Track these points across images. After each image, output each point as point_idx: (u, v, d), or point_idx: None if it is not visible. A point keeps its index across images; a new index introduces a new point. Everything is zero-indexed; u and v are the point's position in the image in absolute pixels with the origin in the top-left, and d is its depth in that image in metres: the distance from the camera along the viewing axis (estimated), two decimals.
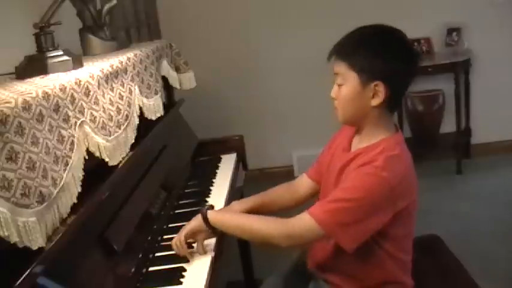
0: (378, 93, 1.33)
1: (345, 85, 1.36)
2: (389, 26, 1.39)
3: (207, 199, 1.87)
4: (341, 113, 1.41)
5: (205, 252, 1.47)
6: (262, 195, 1.68)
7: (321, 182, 1.59)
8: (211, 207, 1.53)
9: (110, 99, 1.52)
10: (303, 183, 1.68)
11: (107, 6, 2.07)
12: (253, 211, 1.60)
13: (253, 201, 1.63)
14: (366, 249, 1.35)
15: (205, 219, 1.45)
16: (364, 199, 1.27)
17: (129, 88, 1.69)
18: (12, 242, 0.95)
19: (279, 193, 1.70)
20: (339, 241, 1.30)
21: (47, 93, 1.16)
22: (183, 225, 1.68)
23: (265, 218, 1.41)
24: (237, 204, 1.63)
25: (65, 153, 1.19)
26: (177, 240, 1.46)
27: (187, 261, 1.45)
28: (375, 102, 1.34)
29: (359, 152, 1.39)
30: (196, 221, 1.47)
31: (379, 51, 1.33)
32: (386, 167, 1.29)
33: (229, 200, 1.85)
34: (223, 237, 1.59)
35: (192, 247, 1.50)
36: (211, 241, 1.54)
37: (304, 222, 1.31)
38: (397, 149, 1.36)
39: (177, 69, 2.33)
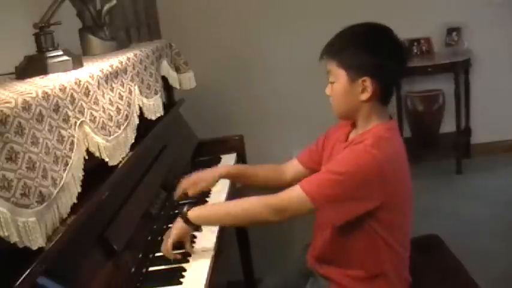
0: (366, 88, 1.37)
1: (336, 82, 1.41)
2: (378, 24, 1.43)
3: (207, 199, 1.87)
4: (335, 109, 1.47)
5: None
6: (248, 166, 1.80)
7: (310, 168, 1.64)
8: (190, 207, 1.51)
9: (110, 99, 1.52)
10: (291, 167, 1.73)
11: (106, 6, 2.07)
12: (237, 177, 1.77)
13: (238, 168, 1.80)
14: (362, 238, 1.37)
15: (186, 220, 1.46)
16: (353, 173, 1.30)
17: (129, 88, 1.69)
18: (12, 242, 0.95)
19: (265, 170, 1.77)
20: (326, 213, 1.34)
21: (46, 93, 1.16)
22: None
23: (247, 198, 1.44)
24: (222, 167, 1.83)
25: (64, 153, 1.19)
26: (165, 251, 1.46)
27: (187, 261, 1.45)
28: (364, 97, 1.38)
29: (353, 139, 1.43)
30: (179, 226, 1.47)
31: (365, 48, 1.37)
32: (375, 145, 1.33)
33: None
34: (222, 237, 1.60)
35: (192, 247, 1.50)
36: (212, 241, 1.54)
37: (293, 193, 1.35)
38: (388, 133, 1.40)
39: (177, 69, 2.33)
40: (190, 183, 1.71)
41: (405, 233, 1.45)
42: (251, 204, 1.41)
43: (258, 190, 1.52)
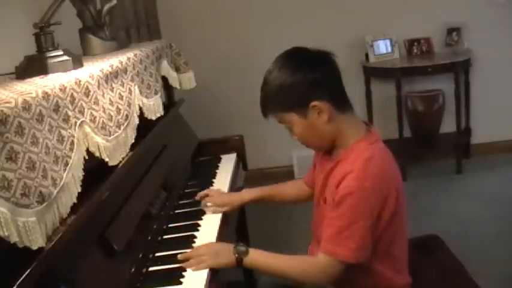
0: (321, 109, 1.36)
1: (293, 126, 1.41)
2: (286, 51, 1.43)
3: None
4: (312, 147, 1.50)
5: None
6: (272, 188, 1.80)
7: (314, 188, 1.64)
8: (245, 249, 1.45)
9: (110, 99, 1.52)
10: (304, 187, 1.76)
11: (106, 6, 2.07)
12: (261, 201, 1.78)
13: (261, 191, 1.78)
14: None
15: (239, 262, 1.43)
16: (359, 217, 1.32)
17: (129, 88, 1.69)
18: (12, 242, 0.95)
19: (286, 189, 1.82)
20: (360, 261, 1.34)
21: (46, 93, 1.16)
22: (183, 225, 1.68)
23: (295, 262, 1.43)
24: (246, 193, 1.80)
25: (64, 153, 1.19)
26: (202, 262, 1.41)
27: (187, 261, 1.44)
28: (324, 118, 1.37)
29: (338, 160, 1.42)
30: (228, 261, 1.43)
31: (289, 79, 1.36)
32: (365, 175, 1.32)
33: None
34: (222, 237, 1.60)
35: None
36: (212, 241, 1.54)
37: (324, 262, 1.36)
38: (370, 150, 1.38)
39: (177, 69, 2.33)
40: (216, 200, 1.78)
41: (403, 237, 1.46)
42: (302, 274, 1.41)
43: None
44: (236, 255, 1.42)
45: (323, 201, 1.45)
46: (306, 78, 1.35)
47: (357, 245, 1.32)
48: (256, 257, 1.44)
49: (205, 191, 1.84)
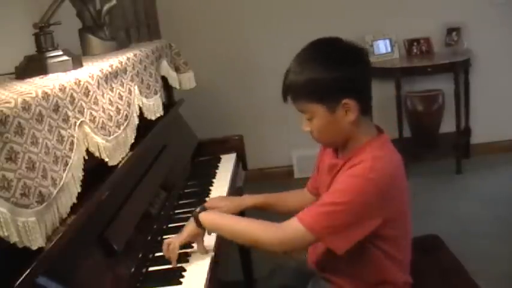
0: (350, 108, 1.32)
1: (315, 118, 1.35)
2: (322, 39, 1.37)
3: (207, 199, 1.87)
4: (323, 142, 1.44)
5: (206, 252, 1.47)
6: (274, 196, 1.72)
7: (319, 194, 1.59)
8: (204, 208, 1.50)
9: (110, 99, 1.52)
10: (307, 195, 1.70)
11: (106, 6, 2.07)
12: (263, 208, 1.69)
13: (264, 198, 1.69)
14: (363, 251, 1.35)
15: (197, 221, 1.44)
16: (351, 202, 1.26)
17: (129, 88, 1.69)
18: (12, 242, 0.95)
19: (287, 198, 1.73)
20: (328, 245, 1.29)
21: (46, 93, 1.16)
22: (183, 225, 1.68)
23: (257, 222, 1.39)
24: (248, 198, 1.70)
25: (64, 153, 1.19)
26: (171, 243, 1.43)
27: (187, 261, 1.45)
28: (350, 118, 1.32)
29: (347, 159, 1.38)
30: (191, 225, 1.46)
31: (329, 71, 1.30)
32: (373, 168, 1.28)
33: None
34: (222, 237, 1.60)
35: (192, 247, 1.50)
36: (211, 241, 1.54)
37: (293, 227, 1.30)
38: (384, 150, 1.35)
39: (177, 69, 2.33)
40: (215, 205, 1.69)
41: (406, 238, 1.44)
42: (260, 233, 1.35)
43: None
44: (193, 216, 1.45)
45: None
46: (345, 75, 1.30)
47: (334, 226, 1.26)
48: (213, 213, 1.47)
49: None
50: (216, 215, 1.49)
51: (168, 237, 1.59)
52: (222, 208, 1.70)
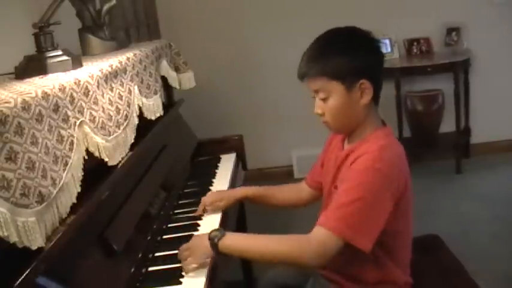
0: (365, 90, 1.35)
1: (331, 97, 1.36)
2: (338, 27, 1.41)
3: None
4: (335, 125, 1.42)
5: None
6: (267, 188, 1.75)
7: (318, 188, 1.62)
8: (222, 232, 1.39)
9: (109, 99, 1.52)
10: (304, 189, 1.72)
11: (106, 6, 2.07)
12: (255, 199, 1.75)
13: (257, 191, 1.74)
14: (361, 251, 1.35)
15: (215, 248, 1.36)
16: (366, 196, 1.28)
17: (129, 88, 1.69)
18: (11, 242, 0.95)
19: (284, 192, 1.76)
20: (355, 244, 1.28)
21: (46, 93, 1.16)
22: (183, 225, 1.68)
23: (285, 239, 1.34)
24: (240, 189, 1.79)
25: (64, 153, 1.19)
26: (188, 261, 1.38)
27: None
28: (365, 100, 1.36)
29: (352, 149, 1.40)
30: (206, 252, 1.38)
31: (350, 51, 1.35)
32: (377, 157, 1.30)
33: None
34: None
35: None
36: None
37: (321, 236, 1.28)
38: (387, 139, 1.38)
39: (177, 69, 2.33)
40: (211, 201, 1.75)
41: (407, 237, 1.45)
42: (297, 249, 1.30)
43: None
44: (210, 240, 1.37)
45: (334, 187, 1.42)
46: (364, 57, 1.35)
47: (357, 224, 1.27)
48: (233, 238, 1.39)
49: (201, 207, 1.75)
50: (236, 239, 1.40)
51: (169, 237, 1.60)
52: (220, 205, 1.72)
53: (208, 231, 1.40)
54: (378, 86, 1.39)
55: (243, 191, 1.78)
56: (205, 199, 1.76)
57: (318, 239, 1.28)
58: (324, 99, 1.37)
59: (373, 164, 1.29)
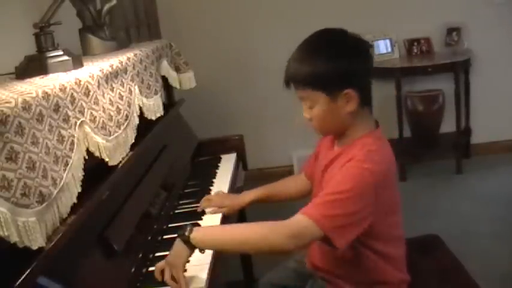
0: (350, 99, 1.33)
1: (316, 106, 1.36)
2: (327, 29, 1.39)
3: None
4: (322, 131, 1.44)
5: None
6: (271, 186, 1.78)
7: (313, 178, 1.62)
8: (190, 228, 1.36)
9: (110, 99, 1.52)
10: (304, 180, 1.74)
11: (106, 6, 2.07)
12: (263, 200, 1.76)
13: (264, 189, 1.76)
14: (355, 252, 1.36)
15: (188, 243, 1.33)
16: (350, 190, 1.27)
17: (129, 88, 1.69)
18: (12, 242, 0.95)
19: (289, 186, 1.79)
20: (331, 237, 1.26)
21: (46, 93, 1.16)
22: (183, 225, 1.68)
23: (259, 224, 1.33)
24: (248, 194, 1.77)
25: (64, 153, 1.19)
26: (174, 273, 1.32)
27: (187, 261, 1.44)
28: (350, 108, 1.35)
29: (341, 151, 1.41)
30: (183, 250, 1.33)
31: (336, 59, 1.32)
32: (367, 159, 1.31)
33: None
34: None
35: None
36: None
37: (299, 221, 1.28)
38: (377, 144, 1.37)
39: (177, 69, 2.33)
40: (219, 204, 1.76)
41: (397, 236, 1.45)
42: (269, 231, 1.29)
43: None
44: (179, 237, 1.33)
45: (321, 188, 1.42)
46: (350, 65, 1.32)
47: (333, 214, 1.25)
48: (205, 230, 1.37)
49: (205, 203, 1.78)
50: (207, 230, 1.40)
51: (169, 237, 1.60)
52: (224, 209, 1.73)
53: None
54: (365, 90, 1.37)
55: (250, 197, 1.77)
56: (215, 199, 1.77)
57: (294, 223, 1.28)
58: (310, 107, 1.38)
59: (363, 164, 1.30)
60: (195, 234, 1.33)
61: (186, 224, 1.38)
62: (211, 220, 1.70)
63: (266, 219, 1.35)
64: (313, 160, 1.63)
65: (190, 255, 1.35)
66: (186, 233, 1.34)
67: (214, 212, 1.74)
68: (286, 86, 1.41)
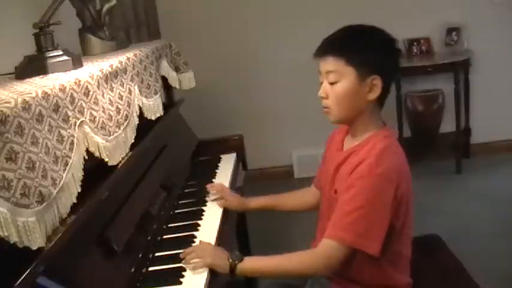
0: (375, 87, 1.36)
1: (341, 82, 1.37)
2: (366, 24, 1.43)
3: (207, 199, 1.87)
4: (335, 111, 1.40)
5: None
6: (277, 197, 1.80)
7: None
8: (240, 257, 1.42)
9: (110, 99, 1.52)
10: (314, 192, 1.73)
11: (106, 6, 2.06)
12: (267, 209, 1.80)
13: (267, 202, 1.81)
14: (362, 254, 1.36)
15: (232, 271, 1.40)
16: (369, 202, 1.30)
17: (129, 88, 1.69)
18: (12, 242, 0.95)
19: (294, 196, 1.80)
20: (364, 249, 1.31)
21: (46, 93, 1.16)
22: (183, 225, 1.68)
23: (294, 257, 1.40)
24: (253, 201, 1.81)
25: (64, 153, 1.19)
26: (193, 266, 1.40)
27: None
28: (372, 96, 1.37)
29: (351, 151, 1.41)
30: (222, 263, 1.40)
31: (374, 46, 1.37)
32: (378, 162, 1.32)
33: None
34: (222, 237, 1.60)
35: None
36: (212, 241, 1.54)
37: (326, 247, 1.33)
38: (386, 141, 1.38)
39: (177, 69, 2.33)
40: (222, 194, 1.83)
41: (410, 236, 1.45)
42: (303, 265, 1.38)
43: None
44: (230, 260, 1.40)
45: (334, 192, 1.43)
46: (385, 57, 1.38)
47: (364, 230, 1.29)
48: (251, 261, 1.43)
49: (214, 186, 1.89)
50: (252, 266, 1.44)
51: (169, 237, 1.60)
52: (226, 203, 1.77)
53: (227, 252, 1.43)
54: (387, 88, 1.40)
55: (257, 203, 1.81)
56: (225, 195, 1.83)
57: (321, 250, 1.34)
58: (333, 83, 1.38)
59: (375, 170, 1.31)
60: (242, 268, 1.40)
61: (237, 252, 1.45)
62: (211, 220, 1.70)
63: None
64: (322, 166, 1.64)
65: (221, 273, 1.41)
66: (236, 262, 1.40)
67: (216, 200, 1.80)
68: (320, 54, 1.40)
